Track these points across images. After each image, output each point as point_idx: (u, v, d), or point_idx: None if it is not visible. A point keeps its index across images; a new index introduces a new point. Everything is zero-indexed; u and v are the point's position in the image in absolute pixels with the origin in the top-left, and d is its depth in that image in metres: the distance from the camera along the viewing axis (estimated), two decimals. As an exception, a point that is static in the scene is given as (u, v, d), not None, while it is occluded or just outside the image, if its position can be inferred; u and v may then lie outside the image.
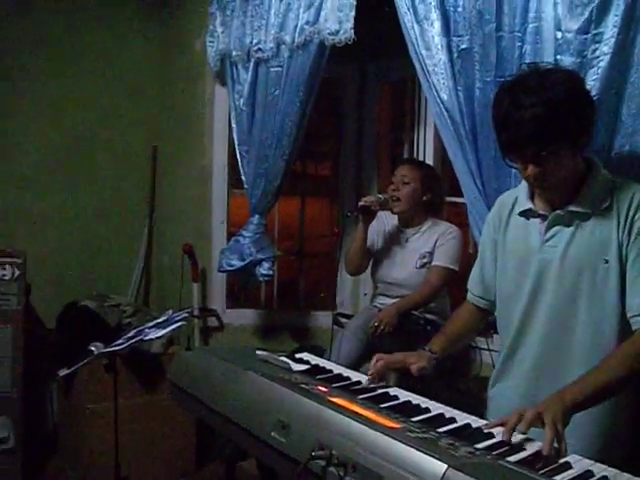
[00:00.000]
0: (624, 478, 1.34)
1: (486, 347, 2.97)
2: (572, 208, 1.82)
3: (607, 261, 1.78)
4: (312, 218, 4.95)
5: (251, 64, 3.54)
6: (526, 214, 1.94)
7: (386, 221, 3.32)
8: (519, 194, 1.98)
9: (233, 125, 3.74)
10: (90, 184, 4.22)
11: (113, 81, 4.24)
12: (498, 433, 1.56)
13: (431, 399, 1.83)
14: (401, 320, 2.98)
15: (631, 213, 1.76)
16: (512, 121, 1.72)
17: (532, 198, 1.93)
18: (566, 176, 1.79)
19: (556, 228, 1.86)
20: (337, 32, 3.07)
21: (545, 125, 1.67)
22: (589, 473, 1.36)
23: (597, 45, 2.16)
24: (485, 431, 1.57)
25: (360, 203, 3.15)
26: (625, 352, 1.70)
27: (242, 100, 3.63)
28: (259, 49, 3.47)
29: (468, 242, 3.32)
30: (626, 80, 2.15)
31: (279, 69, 3.42)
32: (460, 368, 3.10)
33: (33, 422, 3.53)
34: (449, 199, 3.50)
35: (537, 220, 1.91)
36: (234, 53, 3.62)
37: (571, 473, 1.35)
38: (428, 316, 3.10)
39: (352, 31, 3.02)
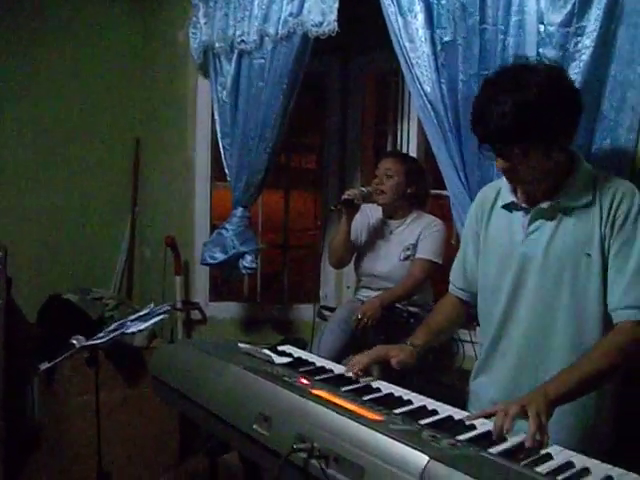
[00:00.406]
0: (605, 469, 1.35)
1: (469, 339, 2.98)
2: (555, 202, 1.83)
3: (589, 255, 1.79)
4: (296, 211, 4.94)
5: (234, 56, 3.52)
6: (509, 207, 1.95)
7: (370, 214, 3.32)
8: (502, 187, 1.99)
9: (216, 117, 3.72)
10: (72, 177, 4.18)
11: (95, 74, 4.20)
12: (480, 425, 1.57)
13: (414, 392, 1.83)
14: (384, 313, 2.99)
15: (614, 207, 1.77)
16: (483, 115, 1.74)
17: (515, 191, 1.94)
18: (540, 172, 1.80)
19: (539, 222, 1.86)
20: (320, 24, 3.06)
21: (513, 123, 1.67)
22: (570, 464, 1.37)
23: (579, 38, 2.17)
24: (467, 423, 1.58)
25: (343, 196, 3.14)
26: (607, 345, 1.71)
27: (225, 92, 3.61)
28: (242, 41, 3.45)
29: (452, 234, 3.32)
30: (608, 73, 2.17)
31: (262, 61, 3.40)
32: (443, 361, 3.11)
33: (14, 416, 3.50)
34: (432, 192, 3.50)
35: (520, 213, 1.92)
36: (217, 45, 3.60)
37: (552, 464, 1.36)
38: (411, 309, 3.10)
39: (335, 23, 3.01)
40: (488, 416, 1.58)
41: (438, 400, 1.76)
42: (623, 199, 1.77)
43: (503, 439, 1.48)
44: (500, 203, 1.97)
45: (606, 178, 1.84)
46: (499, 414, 1.52)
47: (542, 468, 1.33)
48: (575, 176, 1.83)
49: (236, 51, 3.50)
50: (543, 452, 1.42)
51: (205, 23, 3.67)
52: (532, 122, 1.68)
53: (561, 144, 1.78)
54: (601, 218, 1.78)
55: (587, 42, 2.15)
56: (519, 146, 1.71)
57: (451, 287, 2.19)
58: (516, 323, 1.92)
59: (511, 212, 1.94)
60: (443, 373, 3.12)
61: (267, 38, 3.34)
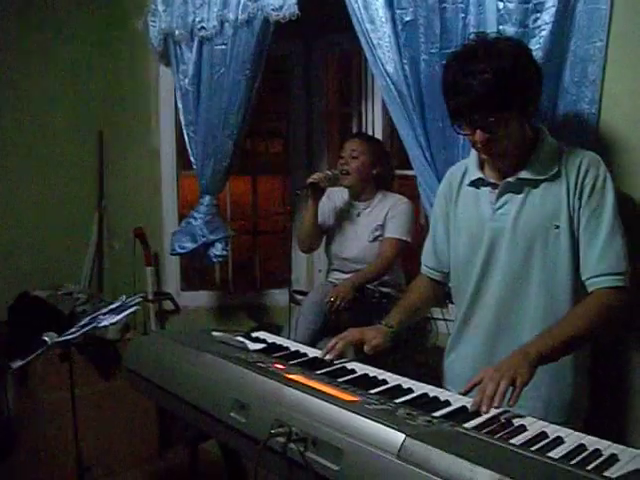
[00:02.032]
0: (578, 437, 1.38)
1: (441, 317, 3.01)
2: (522, 175, 1.85)
3: (558, 227, 1.82)
4: (265, 196, 4.93)
5: (195, 43, 3.47)
6: (476, 183, 1.97)
7: (337, 197, 3.32)
8: (468, 165, 2.01)
9: (179, 106, 3.67)
10: (36, 172, 4.11)
11: (54, 66, 4.13)
12: (455, 400, 1.60)
13: (389, 371, 1.85)
14: (356, 294, 3.00)
15: (580, 178, 1.80)
16: (461, 87, 1.74)
17: (482, 167, 1.96)
18: (514, 144, 1.82)
19: (507, 196, 1.89)
20: (281, 8, 3.03)
21: (494, 91, 1.70)
22: (544, 434, 1.39)
23: (538, 14, 2.19)
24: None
25: (309, 180, 3.14)
26: (585, 308, 1.75)
27: (187, 80, 3.57)
28: (202, 27, 3.40)
29: (419, 214, 3.34)
30: (568, 48, 2.19)
31: (224, 47, 3.36)
32: (416, 339, 3.14)
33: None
34: (399, 172, 3.51)
35: (487, 189, 1.94)
36: (177, 32, 3.54)
37: (527, 435, 1.39)
38: (383, 289, 3.12)
39: (296, 6, 2.99)
40: (476, 385, 1.59)
41: (413, 379, 1.78)
42: (589, 169, 1.81)
43: (478, 413, 1.50)
44: (467, 180, 1.99)
45: (571, 150, 1.87)
46: (490, 385, 1.54)
47: (516, 440, 1.35)
48: (540, 149, 1.86)
49: (196, 38, 3.46)
50: (517, 424, 1.44)
51: (164, 10, 3.61)
52: (511, 89, 1.71)
53: (532, 113, 1.82)
54: (568, 189, 1.81)
55: (546, 18, 2.17)
56: (501, 115, 1.73)
57: (423, 267, 2.21)
58: (487, 297, 1.95)
59: (478, 188, 1.97)
60: (418, 352, 3.15)
61: (227, 24, 3.30)
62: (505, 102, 1.72)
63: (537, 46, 2.16)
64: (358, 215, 3.25)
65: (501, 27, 2.22)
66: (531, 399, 1.75)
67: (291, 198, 4.28)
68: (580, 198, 1.80)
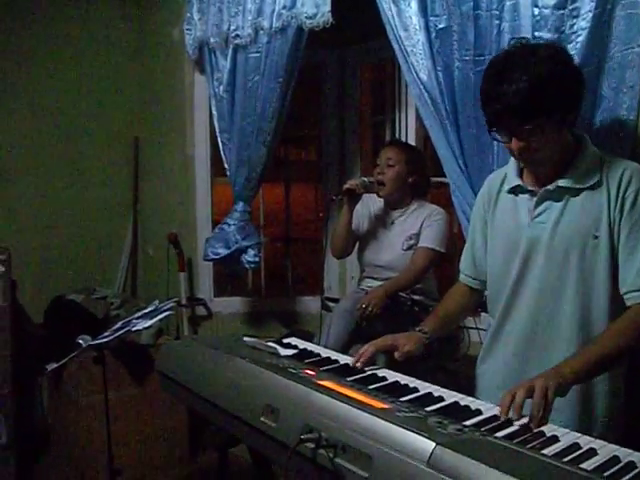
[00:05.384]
0: (611, 449, 1.35)
1: (474, 326, 2.98)
2: (562, 184, 1.82)
3: (597, 237, 1.78)
4: (298, 203, 4.95)
5: (229, 51, 3.52)
6: (515, 190, 1.94)
7: (371, 203, 3.31)
8: (508, 171, 1.98)
9: (214, 113, 3.72)
10: (73, 178, 4.19)
11: (92, 73, 4.20)
12: (487, 409, 1.58)
13: (420, 379, 1.84)
14: (388, 302, 2.99)
15: (622, 189, 1.76)
16: (496, 94, 1.72)
17: (521, 175, 1.93)
18: (553, 152, 1.80)
19: (546, 204, 1.86)
20: (315, 16, 3.06)
21: (529, 99, 1.67)
22: (577, 445, 1.37)
23: (574, 20, 2.16)
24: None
25: (345, 186, 3.14)
26: (621, 326, 1.71)
27: (222, 87, 3.61)
28: (237, 35, 3.45)
29: (453, 222, 3.32)
30: (605, 55, 2.16)
31: (258, 55, 3.40)
32: (448, 348, 3.11)
33: (24, 418, 3.52)
34: (433, 179, 3.49)
35: (526, 196, 1.91)
36: (212, 40, 3.59)
37: (559, 446, 1.36)
38: (415, 297, 3.10)
39: (329, 14, 3.01)
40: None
41: (444, 387, 1.76)
42: (631, 180, 1.77)
43: (510, 422, 1.48)
44: (506, 188, 1.97)
45: (613, 159, 1.83)
46: (507, 396, 1.52)
47: (549, 450, 1.33)
48: (582, 157, 1.83)
49: (231, 46, 3.50)
50: (549, 435, 1.42)
51: (199, 19, 3.66)
52: (548, 96, 1.68)
53: (570, 121, 1.78)
54: (609, 200, 1.77)
55: (582, 23, 2.14)
56: (536, 122, 1.70)
57: (461, 275, 2.19)
58: (522, 306, 1.92)
59: (517, 196, 1.94)
60: (449, 360, 3.12)
61: (262, 32, 3.34)
62: (541, 110, 1.69)
63: (573, 52, 2.13)
64: (392, 223, 3.23)
65: (536, 33, 2.19)
66: (563, 414, 1.72)
67: (324, 205, 4.29)
68: (621, 210, 1.76)
